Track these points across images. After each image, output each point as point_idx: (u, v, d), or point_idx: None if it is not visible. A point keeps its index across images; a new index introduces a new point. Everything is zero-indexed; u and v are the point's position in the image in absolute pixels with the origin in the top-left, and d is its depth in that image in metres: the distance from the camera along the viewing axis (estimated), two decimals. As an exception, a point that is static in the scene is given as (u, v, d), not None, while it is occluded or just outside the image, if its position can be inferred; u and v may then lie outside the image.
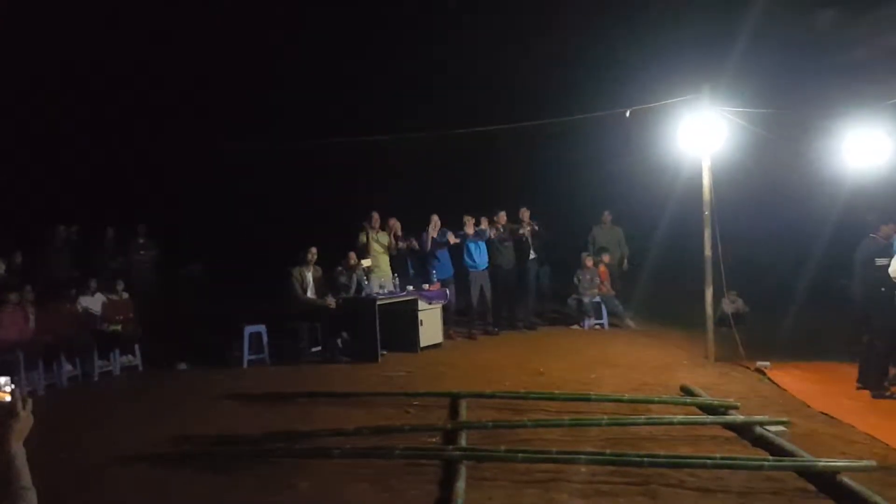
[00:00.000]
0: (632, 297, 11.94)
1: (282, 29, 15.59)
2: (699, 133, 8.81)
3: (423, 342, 10.02)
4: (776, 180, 11.64)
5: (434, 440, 5.91)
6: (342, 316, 9.84)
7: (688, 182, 9.47)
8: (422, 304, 10.09)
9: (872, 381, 7.15)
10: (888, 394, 7.04)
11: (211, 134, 13.91)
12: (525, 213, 11.69)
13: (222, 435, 6.20)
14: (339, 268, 10.40)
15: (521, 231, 11.49)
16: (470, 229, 11.10)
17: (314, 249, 10.06)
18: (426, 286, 10.50)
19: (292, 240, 10.51)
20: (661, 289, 12.16)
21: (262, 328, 9.87)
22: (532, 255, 11.62)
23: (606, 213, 12.49)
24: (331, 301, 9.88)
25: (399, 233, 10.96)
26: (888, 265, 7.00)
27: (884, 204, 7.91)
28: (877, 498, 4.25)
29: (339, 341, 9.95)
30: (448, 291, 10.79)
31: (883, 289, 7.05)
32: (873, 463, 4.86)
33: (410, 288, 10.34)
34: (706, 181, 8.94)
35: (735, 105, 8.80)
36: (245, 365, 9.58)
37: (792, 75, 11.79)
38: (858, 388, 7.21)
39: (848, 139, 8.49)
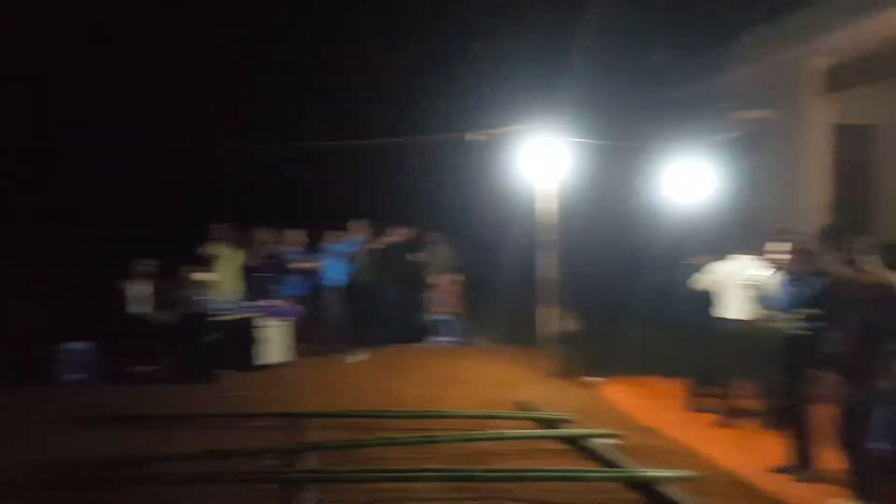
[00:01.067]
0: (480, 315, 12.23)
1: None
2: (541, 160, 9.24)
3: (269, 360, 9.71)
4: (613, 208, 12.40)
5: (277, 463, 5.73)
6: (177, 332, 9.33)
7: (533, 206, 9.88)
8: (269, 321, 9.79)
9: (692, 395, 7.73)
10: (704, 408, 7.62)
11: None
12: (389, 231, 11.71)
13: (38, 461, 5.66)
14: (175, 281, 9.83)
15: (375, 247, 11.46)
16: (328, 244, 10.93)
17: (148, 261, 9.50)
18: (275, 302, 10.20)
19: (124, 251, 9.86)
20: (508, 307, 12.54)
21: (85, 345, 9.11)
22: (385, 273, 11.61)
23: (437, 233, 12.78)
24: (165, 316, 9.34)
25: (263, 245, 10.64)
26: (707, 291, 7.67)
27: (703, 233, 8.66)
28: (695, 505, 4.59)
29: (173, 359, 9.40)
30: (298, 307, 10.54)
31: (703, 311, 7.67)
32: (692, 473, 5.25)
33: (260, 303, 10.01)
34: (549, 206, 9.38)
35: (576, 134, 9.32)
36: (65, 384, 8.81)
37: (627, 110, 12.63)
38: (690, 408, 7.74)
39: (675, 172, 9.25)
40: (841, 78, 11.01)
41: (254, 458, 5.73)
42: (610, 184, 11.58)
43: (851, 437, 4.85)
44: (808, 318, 5.33)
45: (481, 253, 13.19)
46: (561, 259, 9.50)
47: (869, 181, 11.84)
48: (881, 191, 11.82)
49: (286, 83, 14.70)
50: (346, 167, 14.00)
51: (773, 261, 5.86)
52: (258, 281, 10.74)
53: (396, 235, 11.66)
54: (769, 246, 5.93)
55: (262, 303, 10.08)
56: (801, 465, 5.53)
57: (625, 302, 10.79)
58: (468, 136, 9.61)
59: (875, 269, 4.66)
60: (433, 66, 14.91)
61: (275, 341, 9.89)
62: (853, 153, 11.64)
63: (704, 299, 7.70)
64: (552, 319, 9.52)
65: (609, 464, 5.53)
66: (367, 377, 9.13)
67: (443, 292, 11.97)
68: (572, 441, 6.20)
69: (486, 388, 8.53)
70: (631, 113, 12.42)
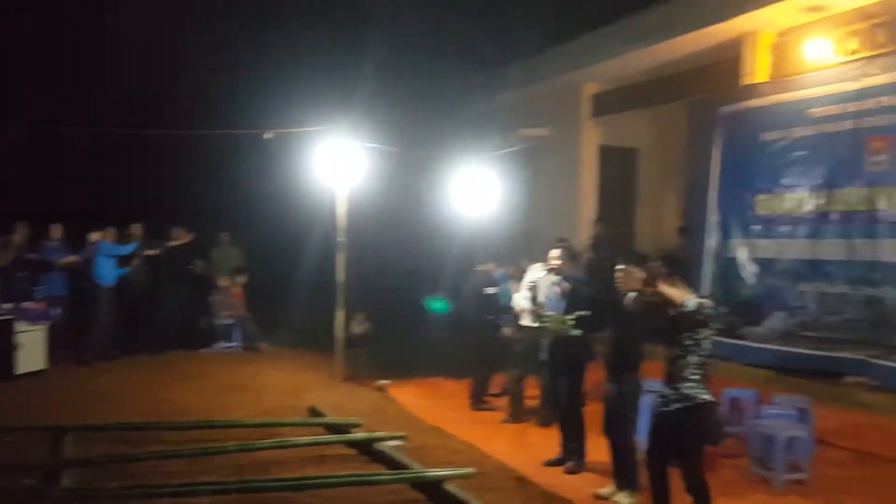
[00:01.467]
0: (271, 319, 11.87)
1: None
2: (336, 162, 9.20)
3: (21, 368, 8.69)
4: (408, 214, 12.66)
5: (34, 481, 5.12)
6: None
7: (326, 209, 9.80)
8: (21, 325, 8.77)
9: (478, 396, 8.08)
10: (485, 406, 8.01)
11: None
12: (178, 232, 10.98)
13: None
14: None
15: (157, 250, 10.72)
16: (97, 241, 10.00)
17: None
18: (30, 304, 9.16)
19: None
20: (297, 311, 12.30)
21: None
22: (165, 275, 10.90)
23: (224, 234, 12.34)
24: None
25: (15, 242, 9.49)
26: (495, 293, 8.06)
27: (490, 242, 9.12)
28: (475, 502, 4.78)
29: None
30: (55, 310, 9.53)
31: (489, 317, 8.06)
32: (473, 470, 5.46)
33: (12, 306, 8.93)
34: (341, 209, 9.36)
35: (370, 140, 9.40)
36: None
37: (422, 120, 12.97)
38: (473, 408, 8.04)
39: (464, 183, 9.66)
40: (608, 103, 12.16)
41: (8, 476, 5.09)
42: (403, 190, 11.82)
43: (614, 430, 5.32)
44: (580, 321, 5.78)
45: (276, 255, 12.86)
46: (353, 262, 9.50)
47: (630, 198, 13.18)
48: (639, 206, 13.20)
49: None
50: (135, 160, 13.05)
51: (551, 267, 6.27)
52: (12, 282, 9.57)
53: (177, 237, 11.01)
54: (550, 253, 6.34)
55: (12, 305, 8.98)
56: (573, 458, 5.97)
57: (415, 305, 11.04)
58: (265, 134, 9.31)
59: (634, 279, 5.07)
60: (231, 61, 14.34)
61: (31, 347, 8.88)
62: (618, 172, 12.89)
63: (490, 303, 8.10)
64: (344, 323, 9.49)
65: (396, 466, 5.60)
66: (145, 386, 8.49)
67: (229, 295, 11.48)
68: (361, 445, 6.21)
69: (273, 394, 8.29)
70: (426, 123, 12.78)
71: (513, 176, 11.32)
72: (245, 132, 10.01)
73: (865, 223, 7.61)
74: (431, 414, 7.67)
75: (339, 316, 9.41)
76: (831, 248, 7.98)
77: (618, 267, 4.87)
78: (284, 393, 8.36)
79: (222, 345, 11.22)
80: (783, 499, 5.35)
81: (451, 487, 5.04)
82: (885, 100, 7.43)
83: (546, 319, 6.00)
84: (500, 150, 11.50)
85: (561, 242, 6.64)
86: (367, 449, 6.12)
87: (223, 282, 11.55)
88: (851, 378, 7.51)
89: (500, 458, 6.20)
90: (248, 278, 11.82)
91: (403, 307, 11.38)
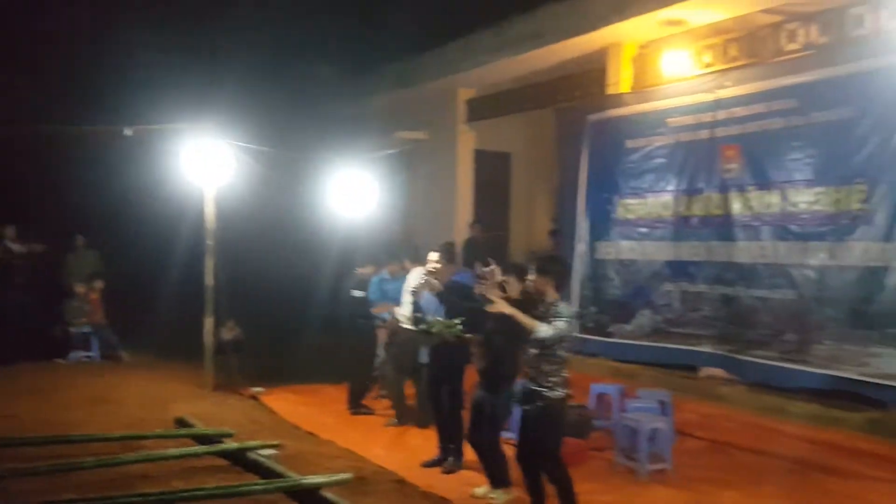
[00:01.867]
0: (130, 326, 11.21)
1: None
2: (204, 161, 8.83)
3: None
4: (283, 216, 12.31)
5: None
6: None
7: (194, 211, 9.38)
8: None
9: (355, 400, 7.98)
10: (363, 410, 7.94)
11: None
12: (9, 231, 10.16)
13: None
14: None
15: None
16: None
17: None
18: None
19: None
20: (162, 318, 11.72)
21: None
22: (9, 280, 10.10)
23: (79, 237, 11.64)
24: None
25: None
26: (364, 296, 8.00)
27: (367, 246, 9.04)
28: (352, 507, 4.71)
29: None
30: None
31: (364, 320, 7.99)
32: (350, 475, 5.39)
33: None
34: (209, 211, 8.99)
35: (241, 139, 9.08)
36: None
37: (296, 121, 12.70)
38: (351, 412, 7.93)
39: (342, 185, 9.53)
40: (482, 108, 12.40)
41: None
42: (279, 192, 11.50)
43: (479, 434, 5.40)
44: (457, 325, 5.82)
45: (140, 259, 12.18)
46: (224, 266, 9.15)
47: (504, 201, 13.50)
48: (513, 209, 13.55)
49: None
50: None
51: (430, 271, 6.30)
52: None
53: (10, 236, 10.23)
54: (429, 256, 6.36)
55: None
56: (450, 459, 6.01)
57: (289, 310, 10.79)
58: (126, 131, 8.78)
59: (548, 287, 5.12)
60: (93, 53, 13.45)
61: None
62: (492, 176, 13.17)
63: (367, 307, 8.03)
64: (214, 329, 9.12)
65: (270, 475, 5.43)
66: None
67: (85, 301, 10.78)
68: (233, 456, 5.97)
69: (136, 406, 7.84)
70: (300, 124, 12.53)
71: (391, 178, 11.31)
72: (104, 128, 9.41)
73: (721, 226, 8.15)
74: (308, 420, 7.51)
75: (208, 322, 9.04)
76: (692, 250, 8.48)
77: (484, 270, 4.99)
78: (148, 404, 7.92)
79: (79, 354, 10.52)
80: (647, 488, 5.62)
81: (328, 494, 4.95)
82: (737, 111, 7.98)
83: (433, 325, 5.99)
84: (378, 152, 11.46)
85: (441, 246, 6.69)
86: (239, 459, 5.89)
87: (79, 287, 10.84)
88: (707, 372, 8.04)
89: (379, 461, 6.16)
90: (107, 283, 11.15)
91: (278, 312, 11.10)
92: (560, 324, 4.45)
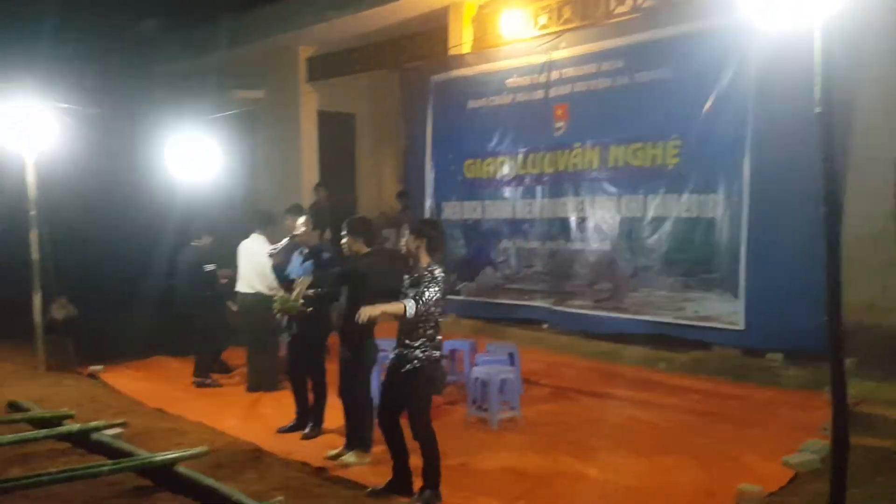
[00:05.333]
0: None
1: None
2: (21, 125, 8.09)
3: None
4: (113, 185, 11.46)
5: None
6: None
7: (14, 179, 8.59)
8: None
9: (201, 373, 7.73)
10: (209, 382, 7.71)
11: None
12: None
13: None
14: None
15: None
16: None
17: None
18: None
19: None
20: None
21: None
22: None
23: None
24: None
25: None
26: (215, 270, 7.72)
27: (207, 214, 8.66)
28: (209, 480, 4.63)
29: None
30: None
31: (209, 292, 7.72)
32: (205, 449, 5.27)
33: None
34: (31, 179, 8.28)
35: (64, 101, 8.38)
36: None
37: (122, 80, 11.85)
38: (196, 384, 7.68)
39: (177, 149, 8.99)
40: (324, 67, 12.16)
41: None
42: (110, 158, 10.72)
43: (347, 392, 5.45)
44: (316, 289, 5.75)
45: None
46: (50, 239, 8.49)
47: (350, 163, 13.42)
48: (359, 172, 13.50)
49: None
50: None
51: (287, 235, 6.18)
52: None
53: None
54: (297, 221, 6.19)
55: None
56: (308, 424, 6.02)
57: (126, 284, 10.20)
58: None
59: (359, 246, 5.25)
60: None
61: None
62: (337, 138, 13.02)
63: (210, 276, 7.76)
64: (42, 307, 8.47)
65: (118, 455, 5.21)
66: None
67: None
68: (75, 438, 5.66)
69: (-42, 393, 7.18)
70: (129, 83, 11.70)
71: (233, 141, 10.85)
72: None
73: (550, 184, 8.61)
74: (154, 396, 7.22)
75: (37, 300, 8.39)
76: (525, 208, 8.91)
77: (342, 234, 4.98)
78: (-28, 390, 7.29)
79: None
80: (499, 435, 5.92)
81: (182, 469, 4.83)
82: (568, 71, 8.39)
83: (276, 299, 5.89)
84: (217, 112, 10.97)
85: (295, 210, 6.58)
86: (83, 441, 5.60)
87: None
88: (546, 324, 8.56)
89: (233, 432, 6.05)
90: None
91: (113, 286, 10.46)
92: (430, 292, 4.48)
